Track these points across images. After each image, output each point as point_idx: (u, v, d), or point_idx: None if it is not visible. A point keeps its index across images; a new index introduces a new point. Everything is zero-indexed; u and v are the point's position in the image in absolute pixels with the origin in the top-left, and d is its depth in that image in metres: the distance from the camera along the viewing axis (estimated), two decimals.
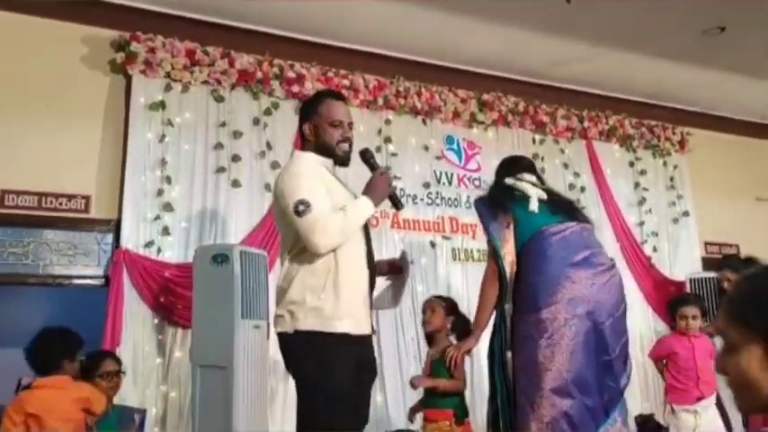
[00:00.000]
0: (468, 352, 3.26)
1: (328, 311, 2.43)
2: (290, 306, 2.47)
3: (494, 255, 3.13)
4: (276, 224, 2.69)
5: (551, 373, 2.85)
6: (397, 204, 2.72)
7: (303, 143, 2.71)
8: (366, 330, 2.55)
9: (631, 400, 5.73)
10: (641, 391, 5.87)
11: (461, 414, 3.41)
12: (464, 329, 3.48)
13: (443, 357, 3.30)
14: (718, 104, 6.93)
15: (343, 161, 2.66)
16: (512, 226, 3.12)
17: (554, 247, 3.00)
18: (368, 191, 2.57)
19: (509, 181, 3.32)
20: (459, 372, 3.36)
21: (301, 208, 2.41)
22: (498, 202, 3.21)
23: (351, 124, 2.69)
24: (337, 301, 2.44)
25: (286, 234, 2.57)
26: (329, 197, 2.50)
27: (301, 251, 2.49)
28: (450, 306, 3.60)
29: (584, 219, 3.26)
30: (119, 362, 3.41)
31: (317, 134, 2.62)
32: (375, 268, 2.69)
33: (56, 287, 4.69)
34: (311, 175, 2.54)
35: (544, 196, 3.22)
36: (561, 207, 3.22)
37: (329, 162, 2.65)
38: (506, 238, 3.10)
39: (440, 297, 3.78)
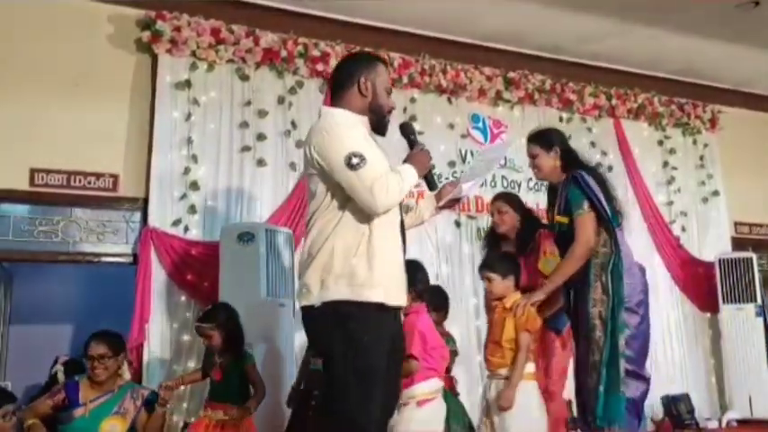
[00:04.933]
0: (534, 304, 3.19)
1: (361, 278, 2.19)
2: (319, 273, 2.23)
3: (603, 223, 3.14)
4: (308, 189, 2.42)
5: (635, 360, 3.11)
6: (431, 184, 2.57)
7: (345, 95, 2.41)
8: (401, 302, 2.34)
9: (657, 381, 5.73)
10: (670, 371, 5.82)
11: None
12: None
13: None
14: (750, 81, 6.76)
15: (384, 129, 2.46)
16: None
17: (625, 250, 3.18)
18: (410, 162, 2.38)
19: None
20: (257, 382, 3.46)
21: (355, 161, 2.17)
22: (605, 186, 3.22)
23: None
24: (370, 266, 2.20)
25: (320, 194, 2.31)
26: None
27: (332, 213, 2.27)
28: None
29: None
30: (111, 345, 3.27)
31: (375, 93, 2.40)
32: (405, 241, 2.47)
33: (85, 265, 4.77)
34: (356, 129, 2.32)
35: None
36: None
37: (365, 120, 2.41)
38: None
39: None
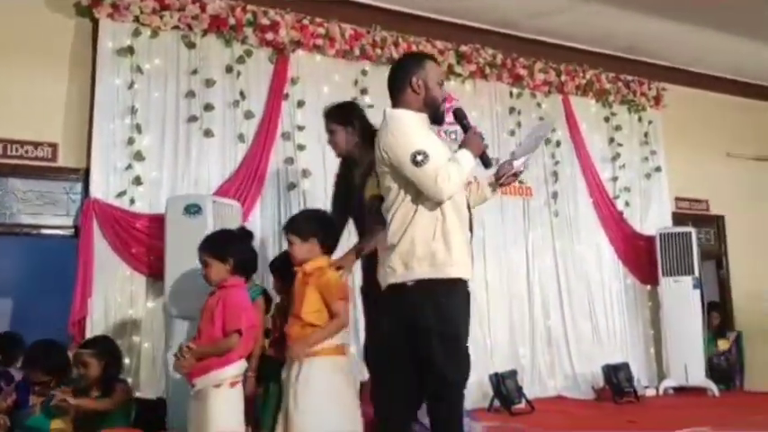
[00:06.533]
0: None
1: (441, 258, 2.53)
2: (401, 258, 2.56)
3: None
4: (381, 185, 2.71)
5: None
6: (486, 163, 2.75)
7: (402, 96, 2.70)
8: (471, 275, 2.65)
9: (599, 351, 5.91)
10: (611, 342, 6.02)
11: None
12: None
13: None
14: (693, 60, 6.92)
15: (441, 118, 2.74)
16: None
17: None
18: (465, 146, 2.65)
19: None
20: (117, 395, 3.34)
21: (420, 158, 2.50)
22: None
23: None
24: (448, 247, 2.54)
25: (394, 189, 2.62)
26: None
27: (408, 206, 2.58)
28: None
29: None
30: (47, 369, 3.42)
31: (427, 89, 2.68)
32: (472, 220, 2.75)
33: (24, 237, 4.61)
34: (420, 129, 2.64)
35: None
36: None
37: (425, 117, 2.70)
38: None
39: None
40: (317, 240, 2.92)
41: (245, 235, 3.49)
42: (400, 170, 2.57)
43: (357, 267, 3.38)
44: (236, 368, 2.81)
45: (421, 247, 2.54)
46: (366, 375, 3.38)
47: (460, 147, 2.67)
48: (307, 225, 2.96)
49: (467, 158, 2.61)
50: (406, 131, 2.60)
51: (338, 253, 3.23)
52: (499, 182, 2.90)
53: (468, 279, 2.64)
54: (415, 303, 2.55)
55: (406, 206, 2.59)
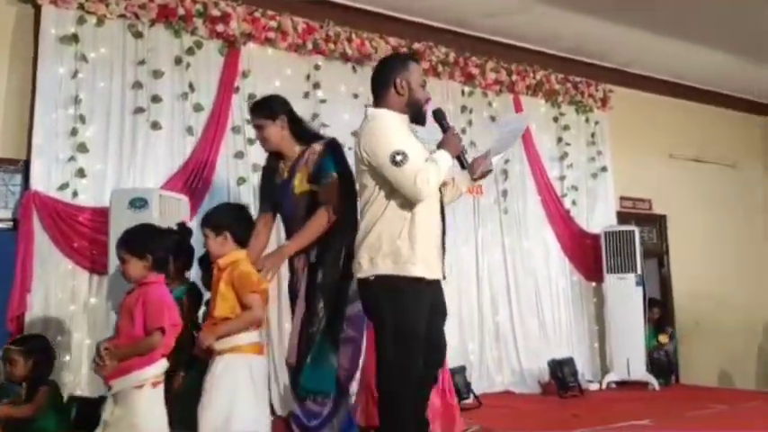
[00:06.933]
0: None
1: (404, 256, 2.59)
2: (368, 253, 2.63)
3: (351, 194, 3.16)
4: (358, 182, 2.82)
5: None
6: (463, 164, 2.82)
7: (385, 96, 2.77)
8: (438, 276, 2.71)
9: (546, 346, 6.02)
10: (557, 337, 6.14)
11: None
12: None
13: None
14: (637, 62, 7.11)
15: (423, 119, 2.81)
16: None
17: None
18: (443, 147, 2.72)
19: None
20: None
21: (399, 158, 2.56)
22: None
23: None
24: (413, 246, 2.59)
25: (370, 187, 2.69)
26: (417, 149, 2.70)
27: (380, 203, 2.64)
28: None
29: None
30: None
31: (410, 89, 2.76)
32: (444, 218, 2.80)
33: None
34: (399, 129, 2.70)
35: None
36: None
37: (406, 118, 2.78)
38: None
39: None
40: (231, 234, 2.87)
41: (184, 231, 3.42)
42: (379, 170, 2.61)
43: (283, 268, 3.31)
44: (158, 367, 2.67)
45: (387, 243, 2.60)
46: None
47: (438, 147, 2.72)
48: (220, 219, 2.91)
49: (444, 159, 2.68)
50: (386, 132, 2.65)
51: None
52: (473, 177, 2.93)
53: (434, 279, 2.69)
54: (377, 298, 2.63)
55: (378, 203, 2.65)
